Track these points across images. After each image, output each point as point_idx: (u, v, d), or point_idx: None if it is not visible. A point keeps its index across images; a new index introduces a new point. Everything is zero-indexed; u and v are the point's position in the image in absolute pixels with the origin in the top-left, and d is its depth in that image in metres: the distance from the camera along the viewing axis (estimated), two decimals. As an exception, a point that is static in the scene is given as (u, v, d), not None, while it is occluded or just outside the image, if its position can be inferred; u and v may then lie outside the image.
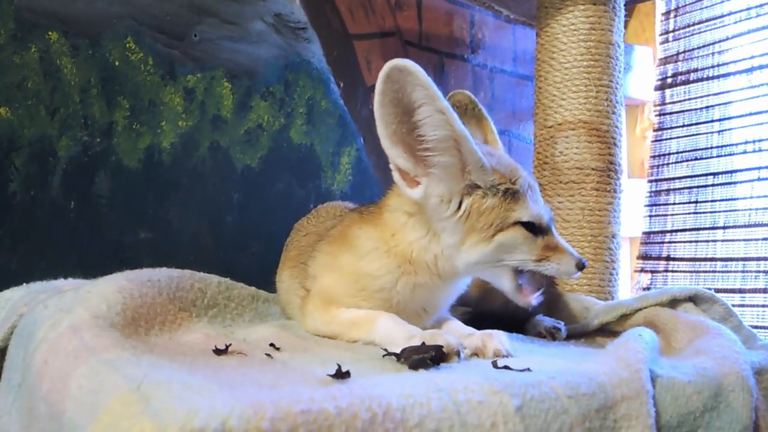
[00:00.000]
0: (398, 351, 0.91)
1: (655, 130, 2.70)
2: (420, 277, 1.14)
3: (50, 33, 1.58)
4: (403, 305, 1.15)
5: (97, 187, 1.64)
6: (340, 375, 0.76)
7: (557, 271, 1.13)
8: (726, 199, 2.41)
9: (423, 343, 0.92)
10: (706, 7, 2.57)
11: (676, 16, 2.69)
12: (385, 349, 0.96)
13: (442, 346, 0.90)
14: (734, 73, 2.46)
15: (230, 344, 0.95)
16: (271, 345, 1.01)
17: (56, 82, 1.59)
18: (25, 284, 1.17)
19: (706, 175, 2.48)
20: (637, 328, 1.15)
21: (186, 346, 0.98)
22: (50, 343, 0.84)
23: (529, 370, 0.85)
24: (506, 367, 0.87)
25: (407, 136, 1.05)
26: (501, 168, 1.11)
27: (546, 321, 1.42)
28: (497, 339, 1.02)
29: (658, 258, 2.58)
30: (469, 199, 1.08)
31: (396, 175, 1.09)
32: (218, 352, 0.92)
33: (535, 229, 1.11)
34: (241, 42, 1.90)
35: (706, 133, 2.52)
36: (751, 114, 2.39)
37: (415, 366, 0.86)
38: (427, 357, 0.87)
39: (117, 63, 1.68)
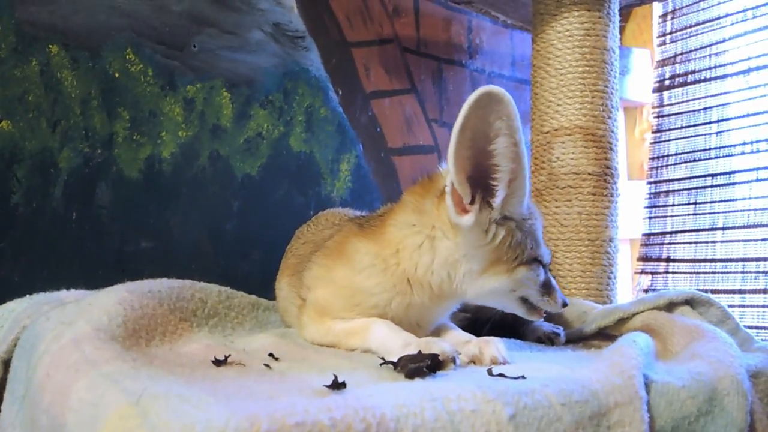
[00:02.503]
0: (395, 360, 0.92)
1: (653, 132, 2.71)
2: (416, 297, 1.14)
3: (50, 46, 1.60)
4: (397, 320, 1.14)
5: (98, 197, 1.65)
6: (336, 386, 0.77)
7: (550, 307, 1.21)
8: (725, 200, 2.42)
9: (419, 352, 0.93)
10: (704, 9, 2.58)
11: (673, 19, 2.69)
12: (382, 358, 0.97)
13: (437, 354, 0.92)
14: (732, 75, 2.47)
15: (229, 355, 0.96)
16: (270, 355, 1.02)
17: (57, 95, 1.61)
18: (28, 296, 1.18)
19: (705, 176, 2.49)
20: (633, 333, 1.16)
21: (186, 357, 0.99)
22: (52, 355, 0.85)
23: (523, 377, 0.86)
24: (501, 375, 0.88)
25: (475, 163, 1.05)
26: (531, 205, 1.17)
27: (545, 326, 1.42)
28: (494, 346, 1.03)
29: (659, 259, 2.59)
30: (502, 229, 1.10)
31: (449, 200, 1.07)
32: (217, 363, 0.94)
33: (543, 265, 1.18)
34: (240, 52, 1.91)
35: (705, 135, 2.53)
36: (749, 115, 2.40)
37: (411, 375, 0.87)
38: (423, 366, 0.88)
39: (117, 75, 1.70)
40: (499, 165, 1.05)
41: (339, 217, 1.51)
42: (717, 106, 2.50)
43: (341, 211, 1.60)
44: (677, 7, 2.68)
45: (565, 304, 1.23)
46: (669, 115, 2.66)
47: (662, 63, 2.71)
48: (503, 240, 1.10)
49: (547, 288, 1.19)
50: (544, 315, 1.24)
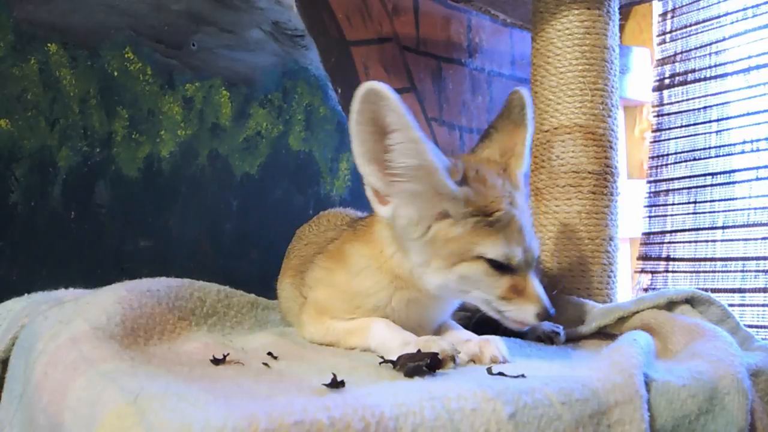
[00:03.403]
0: (394, 358, 0.92)
1: (653, 131, 2.71)
2: (411, 291, 1.14)
3: (49, 45, 1.60)
4: (399, 321, 1.14)
5: (97, 196, 1.65)
6: (335, 384, 0.77)
7: (514, 317, 1.09)
8: (725, 199, 2.41)
9: (418, 351, 0.93)
10: (703, 8, 2.57)
11: (673, 17, 2.69)
12: (382, 357, 0.97)
13: (437, 353, 0.91)
14: (732, 74, 2.47)
15: (228, 354, 0.96)
16: (269, 354, 1.02)
17: (56, 94, 1.60)
18: (26, 294, 1.19)
19: (705, 175, 2.49)
20: (633, 331, 1.16)
21: (184, 355, 0.99)
22: (50, 354, 0.85)
23: (523, 376, 0.86)
24: (501, 374, 0.88)
25: (381, 155, 1.04)
26: (478, 199, 1.06)
27: (545, 325, 1.42)
28: (494, 345, 1.03)
29: (658, 258, 2.58)
30: (437, 225, 1.06)
31: (369, 192, 1.08)
32: (216, 362, 0.93)
33: (502, 266, 1.06)
34: (239, 50, 1.91)
35: (705, 134, 2.52)
36: (749, 114, 2.39)
37: (410, 373, 0.87)
38: (422, 364, 0.88)
39: (116, 73, 1.69)
40: (396, 160, 1.03)
41: (341, 218, 1.51)
42: (717, 104, 2.49)
43: (343, 212, 1.59)
44: (677, 6, 2.68)
45: (544, 316, 1.08)
46: (669, 114, 2.65)
47: (662, 62, 2.71)
48: (436, 235, 1.06)
49: (514, 292, 1.07)
50: (523, 327, 1.10)
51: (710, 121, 2.51)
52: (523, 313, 1.07)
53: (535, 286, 1.09)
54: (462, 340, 1.08)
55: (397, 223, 1.08)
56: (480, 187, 1.07)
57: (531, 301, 1.07)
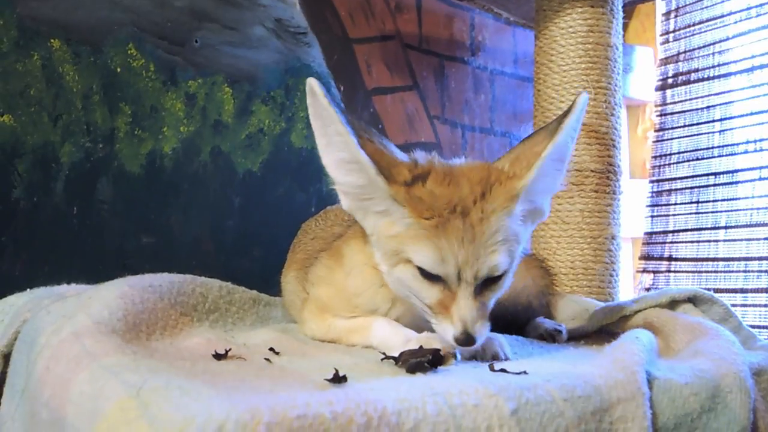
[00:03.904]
0: (396, 355, 0.92)
1: (656, 131, 2.70)
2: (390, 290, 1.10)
3: (52, 40, 1.60)
4: (403, 321, 1.12)
5: (99, 192, 1.65)
6: (337, 379, 0.76)
7: (439, 333, 0.99)
8: (727, 199, 2.41)
9: (420, 347, 0.93)
10: (707, 7, 2.57)
11: (676, 17, 2.69)
12: (384, 353, 0.96)
13: (439, 350, 0.91)
14: (735, 73, 2.46)
15: (230, 349, 0.96)
16: (271, 349, 1.02)
17: (59, 89, 1.60)
18: (28, 290, 1.19)
19: (708, 175, 2.48)
20: (635, 329, 1.15)
21: (186, 350, 0.99)
22: (52, 349, 0.85)
23: (525, 373, 0.86)
24: (503, 371, 0.88)
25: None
26: (417, 201, 0.99)
27: (547, 323, 1.42)
28: (496, 342, 1.02)
29: (660, 258, 2.58)
30: (381, 221, 1.03)
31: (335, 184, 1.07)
32: (218, 356, 0.93)
33: (431, 276, 0.98)
34: (242, 47, 1.91)
35: (708, 133, 2.52)
36: (752, 114, 2.39)
37: (412, 369, 0.87)
38: (424, 360, 0.88)
39: (119, 70, 1.69)
40: (334, 154, 1.01)
41: (347, 213, 1.49)
42: (720, 104, 2.49)
43: None
44: (680, 5, 2.68)
45: (464, 341, 0.95)
46: (672, 114, 2.65)
47: (665, 61, 2.71)
48: (378, 230, 1.03)
49: (441, 307, 0.98)
50: (451, 352, 0.93)
51: (713, 121, 2.51)
52: (442, 331, 0.98)
53: (462, 305, 0.96)
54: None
55: (356, 218, 1.08)
56: (430, 191, 1.00)
57: (450, 322, 0.96)
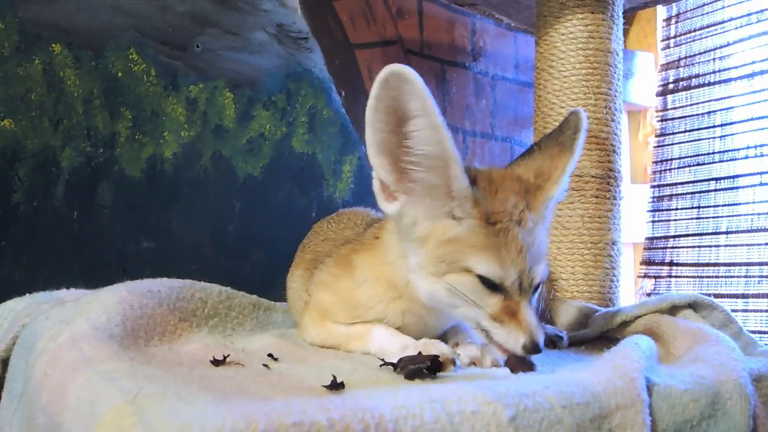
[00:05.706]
0: (395, 361, 0.92)
1: (657, 136, 2.71)
2: (405, 302, 1.10)
3: (54, 45, 1.60)
4: (403, 330, 1.11)
5: (99, 197, 1.65)
6: (335, 386, 0.76)
7: (501, 341, 0.99)
8: (728, 204, 2.41)
9: (419, 353, 0.92)
10: (707, 13, 2.58)
11: (677, 22, 2.69)
12: (382, 360, 0.96)
13: (437, 356, 0.91)
14: (736, 79, 2.47)
15: (228, 355, 0.96)
16: (269, 355, 1.02)
17: (59, 94, 1.61)
18: (28, 294, 1.18)
19: (709, 180, 2.48)
20: (635, 336, 1.15)
21: (185, 356, 0.99)
22: (50, 354, 0.85)
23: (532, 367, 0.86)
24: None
25: (395, 147, 0.99)
26: (486, 203, 0.99)
27: (548, 330, 1.42)
28: (495, 349, 1.02)
29: (662, 263, 2.58)
30: (440, 223, 1.00)
31: (376, 186, 1.04)
32: (216, 362, 0.93)
33: (493, 285, 0.98)
34: (243, 52, 1.91)
35: (708, 139, 2.52)
36: (752, 119, 2.39)
37: (410, 376, 0.87)
38: (423, 367, 0.88)
39: (120, 74, 1.70)
40: (414, 147, 0.97)
41: (361, 217, 1.46)
42: (721, 109, 2.49)
43: (363, 211, 1.54)
44: (681, 11, 2.68)
45: (531, 349, 0.96)
46: (673, 119, 2.65)
47: (666, 66, 2.71)
48: (433, 233, 1.00)
49: (506, 315, 0.98)
50: (505, 354, 0.98)
51: (714, 126, 2.51)
52: (511, 339, 0.97)
53: (530, 314, 0.98)
54: (464, 342, 1.08)
55: (403, 222, 1.03)
56: (489, 195, 1.01)
57: (522, 330, 0.97)
